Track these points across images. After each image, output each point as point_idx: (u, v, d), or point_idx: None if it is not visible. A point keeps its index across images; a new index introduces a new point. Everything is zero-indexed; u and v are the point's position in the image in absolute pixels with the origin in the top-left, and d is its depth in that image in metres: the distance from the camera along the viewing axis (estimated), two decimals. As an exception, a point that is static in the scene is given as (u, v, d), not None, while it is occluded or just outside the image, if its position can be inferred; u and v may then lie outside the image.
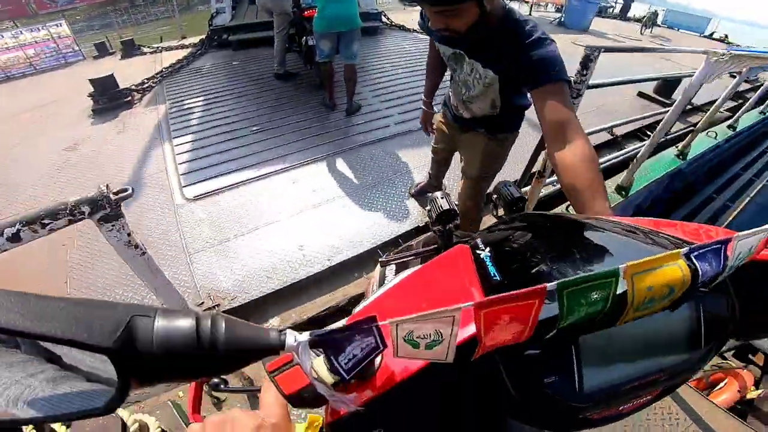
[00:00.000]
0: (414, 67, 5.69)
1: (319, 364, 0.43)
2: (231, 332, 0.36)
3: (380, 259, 0.96)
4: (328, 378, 0.43)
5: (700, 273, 0.41)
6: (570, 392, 0.46)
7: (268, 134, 4.07)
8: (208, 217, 3.04)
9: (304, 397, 0.44)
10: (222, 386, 0.74)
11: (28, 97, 6.13)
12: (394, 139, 3.97)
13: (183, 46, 7.61)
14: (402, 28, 7.92)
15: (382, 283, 0.97)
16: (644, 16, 12.51)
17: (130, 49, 7.87)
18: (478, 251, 0.64)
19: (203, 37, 7.40)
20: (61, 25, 8.92)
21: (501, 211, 0.98)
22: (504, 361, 0.47)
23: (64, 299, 0.31)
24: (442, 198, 0.87)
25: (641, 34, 10.88)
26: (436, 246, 0.91)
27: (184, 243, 2.80)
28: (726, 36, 12.30)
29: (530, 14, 11.96)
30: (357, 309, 0.72)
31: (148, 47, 8.02)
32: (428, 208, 0.91)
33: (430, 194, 0.91)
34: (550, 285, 0.37)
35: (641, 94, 5.77)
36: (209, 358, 0.34)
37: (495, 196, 0.97)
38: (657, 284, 0.40)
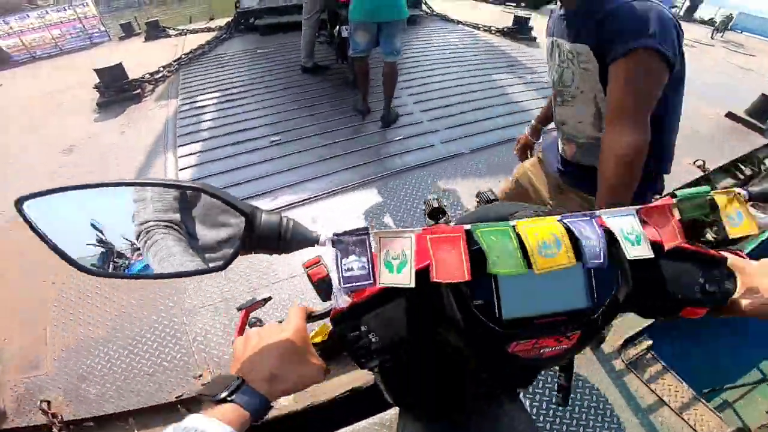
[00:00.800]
0: (463, 69, 4.69)
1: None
2: (294, 228, 0.55)
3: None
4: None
5: (575, 230, 0.54)
6: (492, 315, 0.55)
7: (287, 149, 3.24)
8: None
9: (323, 286, 0.63)
10: (258, 324, 0.72)
11: (42, 81, 5.52)
12: (440, 165, 3.07)
13: (209, 29, 6.86)
14: (445, 18, 6.88)
15: None
16: (712, 18, 11.02)
17: (154, 31, 7.15)
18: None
19: (230, 19, 6.62)
20: (87, 5, 8.34)
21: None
22: (448, 288, 0.57)
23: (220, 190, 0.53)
24: (434, 199, 0.97)
25: (712, 38, 9.46)
26: None
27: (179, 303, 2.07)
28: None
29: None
30: None
31: (173, 29, 7.32)
32: (423, 208, 0.99)
33: (426, 197, 0.99)
34: (467, 226, 0.54)
35: (731, 116, 4.58)
36: (282, 239, 0.54)
37: (477, 200, 1.03)
38: (541, 231, 0.53)
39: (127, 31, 7.88)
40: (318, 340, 0.63)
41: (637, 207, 0.61)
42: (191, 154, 3.21)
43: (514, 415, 0.82)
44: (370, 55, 3.30)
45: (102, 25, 8.62)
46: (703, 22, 12.42)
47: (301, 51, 4.39)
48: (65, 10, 8.23)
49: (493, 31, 6.10)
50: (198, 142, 3.35)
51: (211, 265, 0.55)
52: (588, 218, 0.56)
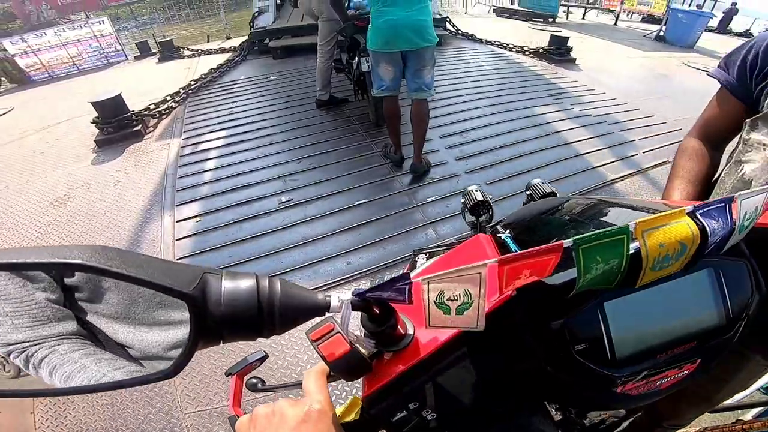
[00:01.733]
0: (499, 100, 3.94)
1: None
2: (286, 292, 0.38)
3: (414, 250, 0.96)
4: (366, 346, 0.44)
5: (708, 229, 0.40)
6: (603, 358, 0.43)
7: (297, 213, 2.53)
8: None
9: (344, 364, 0.42)
10: (260, 386, 0.64)
11: (49, 107, 5.03)
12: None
13: (223, 50, 6.35)
14: (473, 38, 6.16)
15: (413, 269, 0.91)
16: (748, 30, 10.01)
17: (168, 52, 6.67)
18: (499, 235, 0.64)
19: (244, 40, 6.07)
20: (103, 23, 7.93)
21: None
22: (532, 333, 0.45)
23: (151, 258, 0.34)
24: (476, 190, 0.88)
25: (753, 52, 8.50)
26: (469, 235, 0.87)
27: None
28: None
29: (615, 24, 9.81)
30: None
31: (188, 49, 6.82)
32: (463, 200, 0.91)
33: (466, 188, 0.90)
34: (566, 241, 0.37)
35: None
36: (267, 315, 0.36)
37: (528, 192, 0.92)
38: (668, 241, 0.39)
39: (144, 50, 7.47)
40: (349, 419, 0.50)
41: None
42: (190, 217, 2.57)
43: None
44: (399, 93, 2.60)
45: (119, 44, 8.22)
46: (738, 34, 11.40)
47: (316, 81, 3.71)
48: (81, 27, 7.83)
49: (527, 53, 5.37)
50: (198, 200, 2.70)
51: (153, 371, 0.37)
52: (723, 205, 0.41)
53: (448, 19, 6.14)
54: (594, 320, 0.44)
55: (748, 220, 0.42)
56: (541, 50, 5.25)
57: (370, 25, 2.39)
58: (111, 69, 7.12)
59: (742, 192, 0.41)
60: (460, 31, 6.16)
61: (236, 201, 2.65)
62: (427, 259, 0.97)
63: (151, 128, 3.80)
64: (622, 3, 9.93)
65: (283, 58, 5.34)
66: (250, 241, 2.35)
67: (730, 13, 11.11)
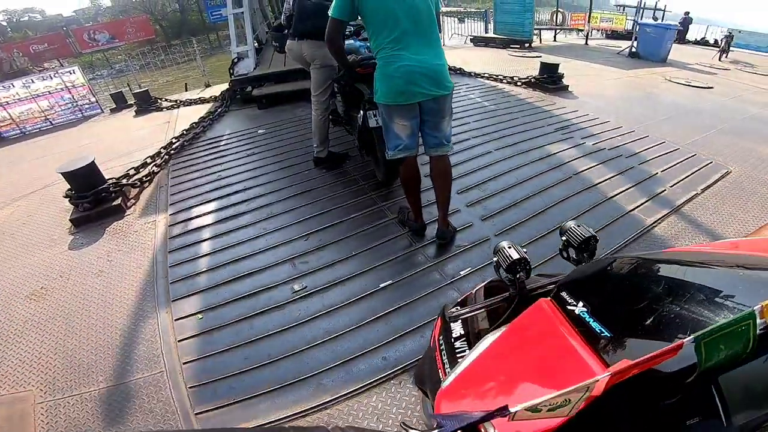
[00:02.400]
0: (507, 138, 3.65)
1: None
2: None
3: (448, 314, 0.88)
4: None
5: None
6: (717, 428, 0.40)
7: (319, 302, 2.10)
8: None
9: None
10: None
11: (20, 174, 4.41)
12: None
13: (203, 100, 5.92)
14: (461, 71, 5.82)
15: (448, 336, 0.89)
16: (717, 40, 10.22)
17: (144, 104, 6.21)
18: (570, 307, 0.59)
19: (225, 89, 5.67)
20: (74, 73, 7.40)
21: (572, 253, 0.88)
22: (638, 417, 0.41)
23: None
24: (509, 248, 0.82)
25: (720, 60, 8.63)
26: (507, 295, 0.84)
27: None
28: (803, 55, 9.89)
29: (586, 44, 9.88)
30: (446, 382, 0.65)
31: (165, 100, 6.38)
32: (495, 258, 0.85)
33: (497, 245, 0.84)
34: (688, 340, 0.35)
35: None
36: None
37: (564, 238, 0.88)
38: None
39: (119, 102, 6.94)
40: None
41: None
42: (190, 315, 2.09)
43: None
44: (417, 153, 2.19)
45: (92, 95, 7.72)
46: (696, 43, 11.69)
47: (313, 137, 3.22)
48: (51, 78, 7.27)
49: (519, 84, 5.15)
50: (197, 293, 2.22)
51: None
52: None
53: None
54: (706, 395, 0.40)
55: None
56: (533, 80, 5.04)
57: (377, 73, 1.98)
58: (86, 123, 6.56)
59: None
60: (447, 66, 5.92)
61: (241, 293, 2.18)
62: (463, 325, 0.91)
63: (133, 200, 3.30)
64: (588, 22, 10.05)
65: (269, 108, 4.94)
66: (265, 340, 1.91)
67: (686, 23, 11.40)
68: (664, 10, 11.61)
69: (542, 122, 3.98)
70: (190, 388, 1.73)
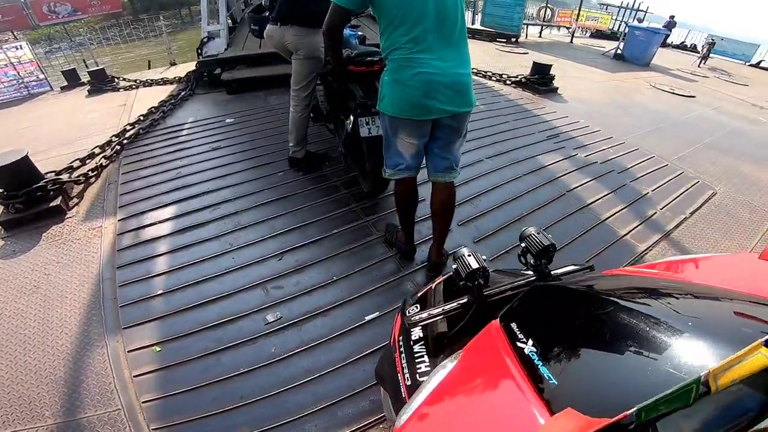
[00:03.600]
0: (499, 145, 3.43)
1: None
2: None
3: (407, 320, 0.86)
4: None
5: None
6: None
7: (296, 335, 1.85)
8: None
9: None
10: None
11: None
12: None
13: (165, 81, 5.39)
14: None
15: (407, 340, 0.89)
16: (695, 45, 10.44)
17: (99, 83, 5.60)
18: (519, 344, 0.58)
19: (191, 70, 5.15)
20: (21, 48, 6.66)
21: (531, 259, 0.89)
22: None
23: None
24: (469, 255, 0.82)
25: (699, 67, 8.80)
26: (465, 301, 0.83)
27: None
28: (776, 64, 10.27)
29: (571, 42, 9.82)
30: (403, 416, 0.66)
31: (123, 79, 5.78)
32: (455, 266, 0.85)
33: (457, 251, 0.82)
34: (630, 412, 0.38)
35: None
36: None
37: (523, 244, 0.89)
38: (741, 376, 0.38)
39: (72, 80, 6.24)
40: None
41: None
42: (145, 346, 1.79)
43: None
44: (417, 173, 1.90)
45: (41, 72, 6.97)
46: (677, 47, 11.93)
47: (289, 134, 2.86)
48: None
49: (508, 82, 4.96)
50: (153, 320, 1.91)
51: None
52: None
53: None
54: None
55: None
56: (523, 79, 4.86)
57: (387, 77, 1.62)
58: (31, 102, 5.86)
59: None
60: None
61: (206, 323, 1.89)
62: (423, 330, 0.91)
63: (76, 199, 2.87)
64: (577, 20, 9.98)
65: (239, 93, 4.51)
66: (236, 378, 1.66)
67: (670, 26, 11.56)
68: (645, 11, 11.73)
69: (533, 128, 3.83)
70: (153, 430, 1.50)
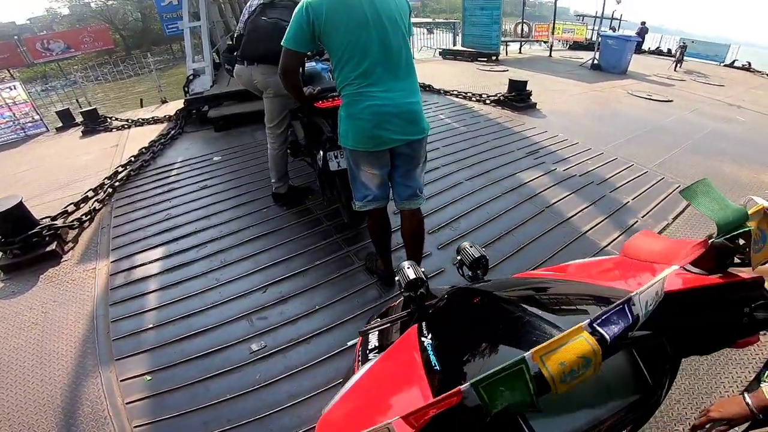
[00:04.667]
0: (478, 165, 3.53)
1: None
2: None
3: (361, 330, 0.95)
4: None
5: (608, 337, 0.41)
6: None
7: (281, 362, 1.89)
8: None
9: None
10: None
11: None
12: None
13: (156, 120, 5.52)
14: (429, 88, 5.65)
15: (365, 349, 0.95)
16: (669, 50, 10.69)
17: (92, 123, 5.72)
18: (422, 338, 0.67)
19: (179, 108, 5.28)
20: (14, 89, 6.79)
21: (467, 271, 0.97)
22: None
23: None
24: (409, 268, 0.88)
25: (675, 71, 9.00)
26: (410, 310, 0.89)
27: None
28: (749, 63, 10.47)
29: (550, 56, 10.07)
30: (328, 406, 0.73)
31: (115, 119, 5.92)
32: (397, 278, 0.90)
33: (399, 265, 0.88)
34: (465, 387, 0.40)
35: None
36: None
37: (459, 257, 0.96)
38: (568, 359, 0.40)
39: (66, 120, 6.38)
40: None
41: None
42: (137, 375, 1.86)
43: None
44: (386, 204, 1.95)
45: (36, 113, 7.13)
46: (652, 53, 12.21)
47: (270, 171, 2.93)
48: None
49: (488, 102, 5.09)
50: (144, 352, 1.98)
51: None
52: (622, 307, 0.44)
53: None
54: (514, 425, 0.46)
55: (651, 305, 0.45)
56: (501, 98, 4.99)
57: (342, 113, 1.68)
58: (28, 144, 5.98)
59: (640, 289, 0.44)
60: (430, 86, 5.76)
61: (194, 353, 1.95)
62: (379, 337, 0.97)
63: (71, 244, 2.94)
64: (553, 34, 10.26)
65: (226, 130, 4.62)
66: (223, 404, 1.72)
67: (643, 33, 11.87)
68: (620, 20, 12.05)
69: (513, 146, 3.91)
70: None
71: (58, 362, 1.97)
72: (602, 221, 2.79)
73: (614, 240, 2.62)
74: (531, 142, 4.01)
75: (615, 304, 0.43)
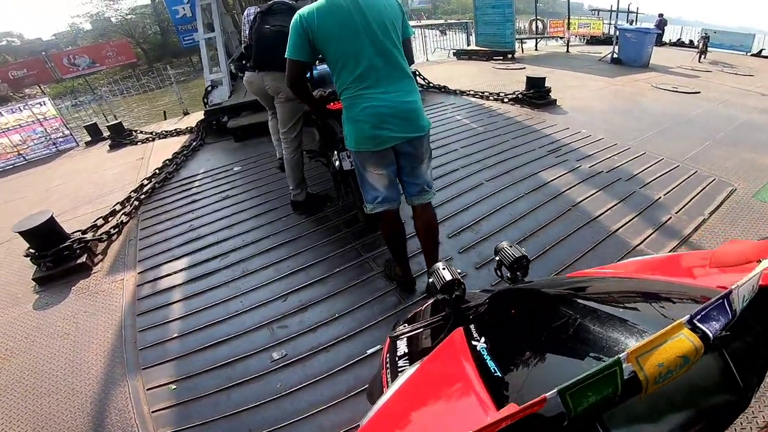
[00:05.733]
0: (499, 166, 3.41)
1: None
2: None
3: (390, 334, 0.88)
4: None
5: (710, 333, 0.38)
6: None
7: (301, 371, 1.86)
8: None
9: None
10: None
11: None
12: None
13: (179, 132, 5.64)
14: (445, 90, 5.58)
15: (393, 356, 0.92)
16: (691, 41, 10.26)
17: (118, 137, 5.91)
18: (473, 342, 0.60)
19: (200, 120, 5.35)
20: (44, 104, 7.04)
21: (506, 272, 0.91)
22: None
23: None
24: (444, 269, 0.82)
25: (699, 62, 8.61)
26: (444, 314, 0.84)
27: None
28: (778, 52, 9.94)
29: (567, 51, 9.82)
30: (366, 417, 0.68)
31: (140, 132, 6.09)
32: (431, 279, 0.86)
33: (433, 266, 0.84)
34: (550, 394, 0.36)
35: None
36: None
37: (497, 258, 0.91)
38: (667, 359, 0.37)
39: (94, 134, 6.61)
40: None
41: None
42: (162, 384, 1.89)
43: None
44: (398, 206, 1.90)
45: (65, 128, 7.40)
46: (674, 44, 11.74)
47: (287, 179, 2.93)
48: (20, 110, 6.88)
49: (505, 100, 4.96)
50: (169, 361, 2.00)
51: None
52: (721, 301, 0.40)
53: (417, 73, 5.63)
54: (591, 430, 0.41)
55: (746, 300, 0.41)
56: (520, 95, 4.86)
57: (344, 116, 1.73)
58: (59, 159, 6.21)
59: (739, 282, 0.41)
60: (431, 84, 5.72)
61: (217, 362, 1.95)
62: (408, 343, 0.94)
63: (100, 256, 3.01)
64: (568, 29, 10.00)
65: (245, 140, 4.66)
66: (244, 413, 1.71)
67: (662, 25, 11.42)
68: (636, 13, 11.65)
69: (534, 144, 3.78)
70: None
71: (89, 371, 2.02)
72: (633, 219, 2.64)
73: (647, 238, 2.47)
74: (552, 139, 3.87)
75: (714, 298, 0.40)
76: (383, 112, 1.64)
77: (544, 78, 4.85)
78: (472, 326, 0.67)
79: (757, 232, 2.48)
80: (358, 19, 1.58)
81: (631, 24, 10.21)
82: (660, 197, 2.87)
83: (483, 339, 0.61)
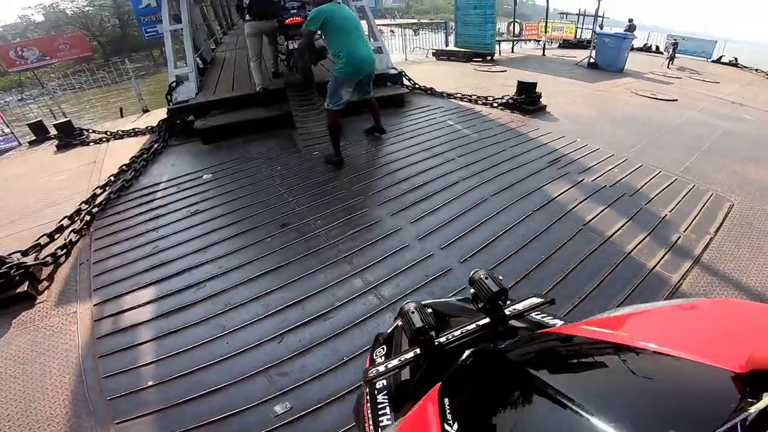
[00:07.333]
0: (498, 179, 3.28)
1: None
2: None
3: (367, 378, 0.80)
4: None
5: None
6: None
7: (313, 423, 1.59)
8: None
9: None
10: None
11: None
12: None
13: (136, 132, 5.09)
14: (431, 92, 5.43)
15: (374, 404, 0.85)
16: (667, 47, 10.65)
17: (67, 136, 5.27)
18: (446, 425, 0.55)
19: (163, 119, 4.82)
20: (-18, 103, 6.30)
21: (481, 304, 0.80)
22: None
23: None
24: (413, 312, 0.77)
25: (668, 68, 8.96)
26: (418, 354, 0.77)
27: None
28: (736, 59, 10.53)
29: (544, 54, 9.92)
30: None
31: (93, 132, 5.46)
32: (399, 322, 0.83)
33: (402, 307, 0.81)
34: None
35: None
36: None
37: (472, 290, 0.80)
38: None
39: (39, 133, 5.87)
40: None
41: None
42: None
43: None
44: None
45: (5, 126, 6.64)
46: (641, 50, 12.22)
47: (255, 79, 4.49)
48: None
49: (495, 105, 4.83)
50: (150, 414, 1.65)
51: None
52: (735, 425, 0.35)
53: (403, 73, 5.41)
54: None
55: None
56: (510, 100, 4.74)
57: (344, 60, 3.18)
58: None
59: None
60: (417, 85, 5.52)
61: (206, 417, 1.63)
62: (387, 384, 0.88)
63: (45, 282, 2.56)
64: (545, 32, 10.13)
65: (215, 142, 4.24)
66: None
67: (631, 30, 11.82)
68: (603, 17, 11.99)
69: (533, 154, 3.66)
70: None
71: (48, 424, 1.66)
72: (644, 238, 2.55)
73: (661, 259, 2.38)
74: (551, 149, 3.76)
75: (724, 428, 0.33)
76: (364, 60, 3.26)
77: (536, 83, 4.77)
78: (446, 401, 0.59)
79: (762, 250, 2.47)
80: (347, 19, 3.24)
81: (601, 29, 10.47)
82: (666, 214, 2.81)
83: (455, 427, 0.54)
